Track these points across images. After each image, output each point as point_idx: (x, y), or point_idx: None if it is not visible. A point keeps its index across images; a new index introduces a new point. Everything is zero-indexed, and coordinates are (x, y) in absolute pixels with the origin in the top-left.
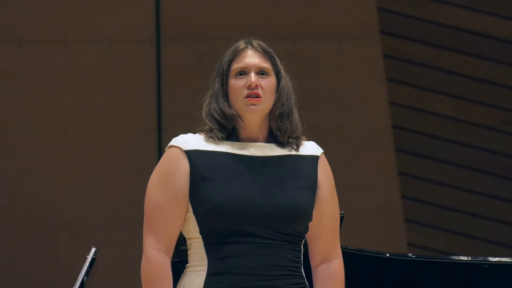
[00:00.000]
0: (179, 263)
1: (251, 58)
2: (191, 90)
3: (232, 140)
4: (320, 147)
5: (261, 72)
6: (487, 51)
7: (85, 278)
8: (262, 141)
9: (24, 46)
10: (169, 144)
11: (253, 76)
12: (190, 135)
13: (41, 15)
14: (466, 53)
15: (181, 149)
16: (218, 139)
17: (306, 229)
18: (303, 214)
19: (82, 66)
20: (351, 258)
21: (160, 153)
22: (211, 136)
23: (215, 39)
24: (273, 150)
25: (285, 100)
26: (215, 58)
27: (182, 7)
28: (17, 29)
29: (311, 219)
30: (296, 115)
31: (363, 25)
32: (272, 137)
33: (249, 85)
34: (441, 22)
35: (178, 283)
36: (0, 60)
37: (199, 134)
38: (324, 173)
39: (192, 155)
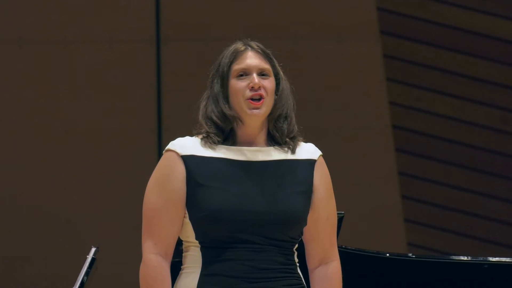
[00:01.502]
0: (178, 263)
1: (252, 59)
2: (191, 90)
3: (228, 143)
4: (320, 147)
5: (262, 73)
6: (487, 51)
7: (85, 278)
8: (260, 144)
9: (24, 46)
10: (166, 147)
11: (255, 77)
12: (187, 138)
13: (41, 15)
14: (466, 53)
15: (177, 153)
16: (215, 143)
17: (300, 234)
18: (296, 221)
19: (82, 66)
20: (351, 258)
21: (160, 153)
22: (207, 140)
23: (215, 39)
24: (270, 155)
25: (284, 102)
26: (215, 58)
27: (182, 7)
28: (17, 29)
29: (305, 224)
30: (293, 117)
31: (363, 25)
32: (270, 139)
33: (252, 87)
34: (441, 22)
35: (174, 285)
36: (0, 60)
37: (196, 137)
38: (321, 177)
39: (188, 161)
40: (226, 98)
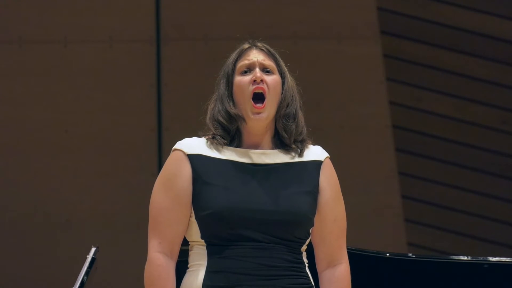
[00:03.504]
0: (179, 263)
1: (256, 55)
2: (191, 90)
3: (234, 145)
4: (321, 147)
5: (266, 70)
6: (487, 51)
7: (85, 278)
8: (265, 146)
9: (24, 46)
10: (173, 147)
11: (258, 71)
12: (194, 139)
13: (41, 15)
14: (466, 53)
15: (184, 152)
16: (221, 145)
17: (307, 235)
18: (302, 220)
19: (82, 66)
20: (351, 258)
21: (160, 153)
22: (213, 142)
23: (215, 39)
24: (276, 158)
25: (290, 101)
26: (215, 58)
27: (182, 7)
28: (17, 29)
29: (312, 225)
30: (301, 118)
31: (363, 25)
32: (277, 141)
33: (254, 80)
34: (441, 22)
35: (181, 284)
36: (0, 60)
37: (204, 138)
38: (327, 178)
39: (194, 160)
40: (231, 96)
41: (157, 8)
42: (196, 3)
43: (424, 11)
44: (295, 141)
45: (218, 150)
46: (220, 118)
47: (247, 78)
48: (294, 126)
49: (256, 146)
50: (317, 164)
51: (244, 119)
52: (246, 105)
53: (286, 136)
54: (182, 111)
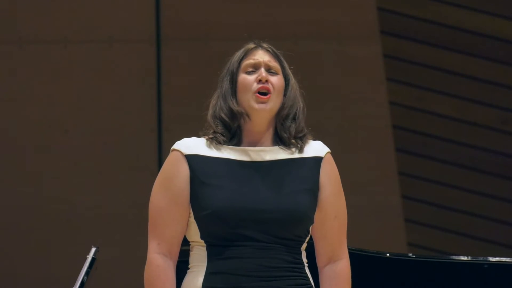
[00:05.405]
0: (179, 263)
1: (261, 55)
2: (191, 90)
3: (233, 143)
4: (321, 142)
5: (271, 70)
6: (487, 51)
7: (85, 278)
8: (265, 143)
9: (24, 46)
10: (172, 147)
11: (263, 71)
12: (193, 139)
13: (41, 15)
14: (466, 53)
15: (181, 153)
16: (220, 143)
17: (307, 233)
18: (301, 218)
19: (82, 66)
20: (351, 258)
21: (160, 153)
22: (212, 141)
23: (215, 39)
24: (275, 155)
25: (292, 103)
26: (215, 57)
27: (182, 7)
28: (17, 29)
29: (311, 223)
30: (302, 119)
31: (363, 25)
32: (276, 138)
33: (260, 79)
34: (441, 22)
35: (182, 285)
36: (0, 60)
37: (202, 138)
38: (327, 174)
39: (192, 160)
40: (235, 93)
41: (157, 8)
42: (196, 3)
43: (424, 11)
44: (294, 138)
45: (217, 149)
46: (222, 115)
47: (252, 77)
48: (293, 126)
49: (256, 144)
50: (317, 161)
51: (247, 115)
52: (250, 100)
53: (285, 135)
54: (182, 111)
